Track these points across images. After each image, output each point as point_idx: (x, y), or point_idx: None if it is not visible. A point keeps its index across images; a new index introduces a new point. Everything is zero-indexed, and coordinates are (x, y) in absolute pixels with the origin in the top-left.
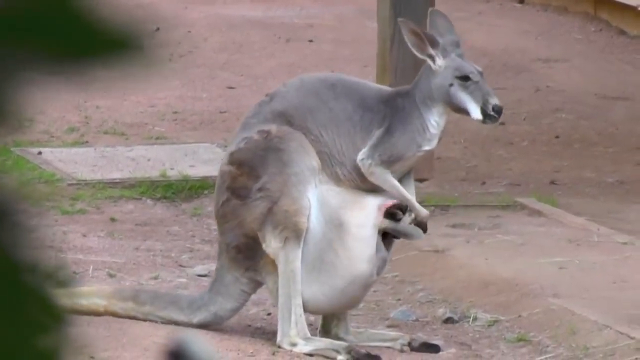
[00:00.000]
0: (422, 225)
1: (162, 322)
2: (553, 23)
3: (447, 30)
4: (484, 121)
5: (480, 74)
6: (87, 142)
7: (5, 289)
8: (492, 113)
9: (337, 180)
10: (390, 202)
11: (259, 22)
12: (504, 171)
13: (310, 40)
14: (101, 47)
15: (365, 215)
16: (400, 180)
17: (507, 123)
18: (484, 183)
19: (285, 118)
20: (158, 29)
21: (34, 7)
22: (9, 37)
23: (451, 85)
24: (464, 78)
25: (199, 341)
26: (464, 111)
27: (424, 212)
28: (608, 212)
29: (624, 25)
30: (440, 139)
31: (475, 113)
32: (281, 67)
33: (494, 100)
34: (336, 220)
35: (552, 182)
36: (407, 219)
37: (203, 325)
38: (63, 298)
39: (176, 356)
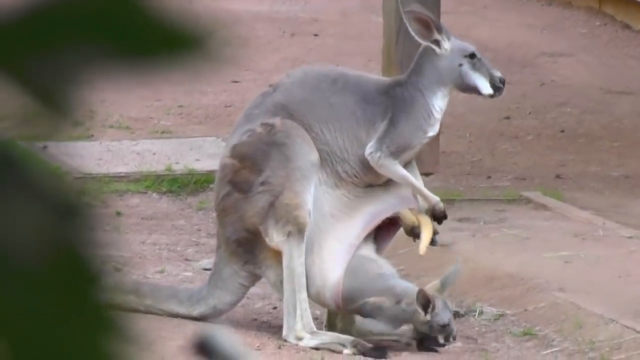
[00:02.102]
0: (437, 212)
1: (163, 315)
2: (558, 17)
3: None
4: (493, 95)
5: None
6: (92, 136)
7: (57, 276)
8: (499, 85)
9: (338, 178)
10: (378, 222)
11: (264, 16)
12: (509, 165)
13: (315, 35)
14: (168, 44)
15: (347, 235)
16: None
17: (512, 117)
18: (489, 177)
19: (287, 111)
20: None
21: (100, 3)
22: (76, 33)
23: (461, 65)
24: (472, 56)
25: (227, 335)
26: (473, 89)
27: (434, 198)
28: (613, 206)
29: (629, 19)
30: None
31: (486, 88)
32: (286, 62)
33: (497, 73)
34: (322, 227)
35: (558, 176)
36: (421, 204)
37: (203, 318)
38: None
39: (203, 349)
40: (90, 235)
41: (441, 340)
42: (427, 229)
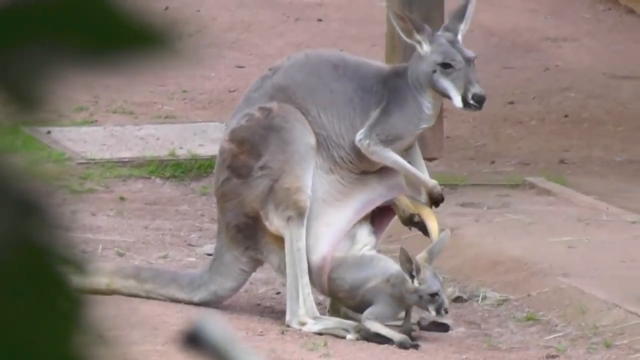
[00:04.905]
0: (434, 195)
1: (164, 300)
2: (562, 2)
3: (454, 15)
4: (464, 108)
5: (468, 60)
6: (96, 121)
7: (24, 271)
8: (472, 102)
9: (333, 163)
10: (370, 209)
11: (267, 1)
12: (513, 150)
13: (319, 20)
14: (130, 39)
15: (336, 220)
16: (406, 154)
17: (516, 102)
18: (493, 162)
19: (286, 94)
20: (167, 8)
21: (65, 1)
22: (41, 30)
23: (434, 71)
24: (445, 65)
25: (216, 323)
26: (447, 96)
27: (431, 182)
28: (617, 191)
29: (633, 4)
30: (438, 117)
31: (456, 100)
32: (290, 46)
33: (475, 89)
34: (312, 211)
35: (561, 161)
36: (422, 198)
37: (203, 304)
38: (76, 278)
39: (193, 339)
40: (54, 231)
41: (433, 313)
42: (430, 216)
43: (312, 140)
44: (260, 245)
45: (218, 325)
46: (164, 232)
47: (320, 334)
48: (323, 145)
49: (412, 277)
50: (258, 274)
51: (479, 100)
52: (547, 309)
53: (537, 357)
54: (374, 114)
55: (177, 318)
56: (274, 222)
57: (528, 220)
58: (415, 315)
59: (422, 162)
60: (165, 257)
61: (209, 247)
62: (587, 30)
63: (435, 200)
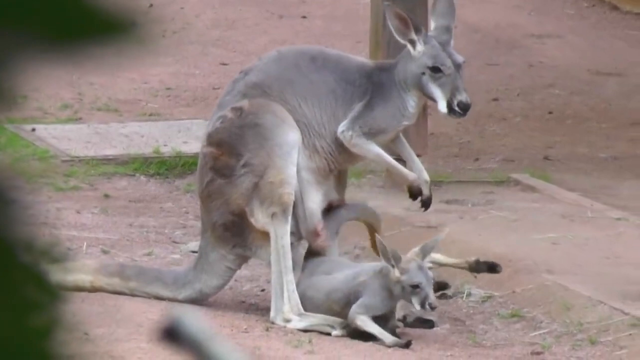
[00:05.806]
0: (413, 189)
1: (148, 298)
2: None
3: (444, 14)
4: (448, 114)
5: (457, 66)
6: (80, 118)
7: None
8: (456, 109)
9: (313, 151)
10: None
11: None
12: (498, 147)
13: (303, 17)
14: (95, 27)
15: (313, 202)
16: (394, 145)
17: (500, 99)
18: (477, 159)
19: (261, 89)
20: (151, 5)
21: None
22: (5, 18)
23: (423, 74)
24: (435, 69)
25: (194, 318)
26: (432, 100)
27: (411, 176)
28: (601, 188)
29: (617, 0)
30: (422, 114)
31: (441, 106)
32: (274, 44)
33: (461, 97)
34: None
35: (546, 158)
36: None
37: (188, 301)
38: (54, 274)
39: (170, 333)
40: (18, 214)
41: (417, 307)
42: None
43: (290, 131)
44: (248, 242)
45: (195, 320)
46: (149, 229)
47: (305, 330)
48: (304, 132)
49: (392, 265)
50: (243, 271)
51: (464, 108)
52: (531, 305)
53: (522, 354)
54: (357, 106)
55: (162, 316)
56: (259, 218)
57: (512, 217)
58: (400, 311)
59: (408, 148)
60: (149, 254)
61: (194, 244)
62: (571, 26)
63: (414, 194)
